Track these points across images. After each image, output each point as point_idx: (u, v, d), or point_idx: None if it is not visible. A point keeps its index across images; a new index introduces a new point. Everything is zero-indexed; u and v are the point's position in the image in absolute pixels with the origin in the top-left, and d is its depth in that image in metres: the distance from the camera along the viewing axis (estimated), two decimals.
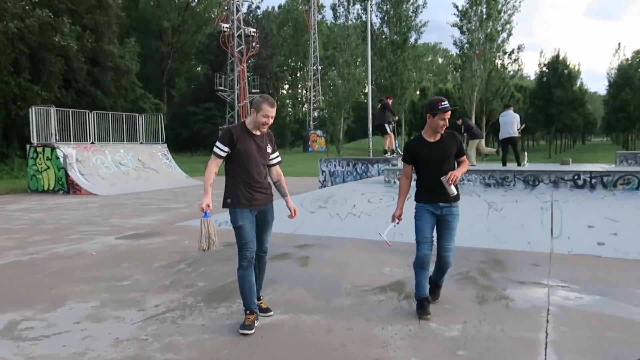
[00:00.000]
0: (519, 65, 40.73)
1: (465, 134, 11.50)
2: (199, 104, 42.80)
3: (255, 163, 3.51)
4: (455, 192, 3.69)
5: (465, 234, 5.71)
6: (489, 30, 31.95)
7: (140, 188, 15.21)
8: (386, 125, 11.83)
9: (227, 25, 39.87)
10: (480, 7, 32.09)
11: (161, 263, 5.56)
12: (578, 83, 50.85)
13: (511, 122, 10.39)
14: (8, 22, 20.80)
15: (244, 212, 3.48)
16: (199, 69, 50.79)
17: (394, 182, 9.03)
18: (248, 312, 3.50)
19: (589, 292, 4.34)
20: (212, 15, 46.87)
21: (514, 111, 10.74)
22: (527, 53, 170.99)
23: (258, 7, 49.49)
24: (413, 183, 3.92)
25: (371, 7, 28.10)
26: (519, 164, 10.49)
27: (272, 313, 3.79)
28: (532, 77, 56.16)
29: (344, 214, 7.78)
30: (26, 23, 21.50)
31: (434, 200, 3.72)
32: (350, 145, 54.65)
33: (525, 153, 11.04)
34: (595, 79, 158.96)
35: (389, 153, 12.37)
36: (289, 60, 62.20)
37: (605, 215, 6.50)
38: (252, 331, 3.44)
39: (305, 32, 56.19)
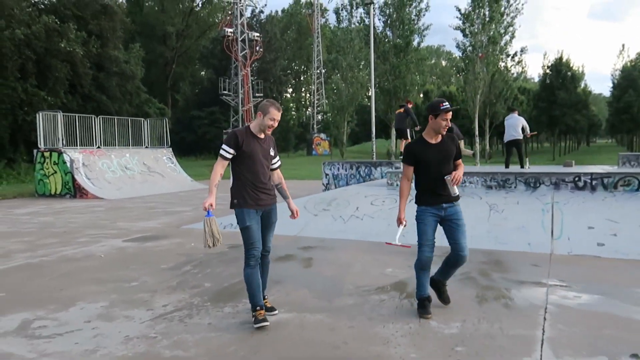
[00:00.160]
0: (523, 68, 40.82)
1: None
2: (203, 108, 43.05)
3: (260, 165, 3.67)
4: (457, 193, 3.79)
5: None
6: (491, 33, 31.99)
7: (145, 192, 15.38)
8: (407, 131, 11.99)
9: (231, 30, 40.14)
10: (482, 10, 32.16)
11: (168, 265, 5.68)
12: (582, 85, 50.82)
13: (515, 125, 10.51)
14: (15, 29, 21.09)
15: (250, 212, 3.62)
16: (203, 73, 51.09)
17: (397, 185, 9.13)
18: (258, 307, 3.64)
19: (588, 291, 4.42)
20: (216, 20, 47.17)
21: (518, 114, 10.89)
22: (530, 55, 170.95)
23: (262, 12, 49.74)
24: (412, 185, 4.01)
25: (374, 10, 28.24)
26: (522, 166, 10.59)
27: (276, 312, 3.90)
28: (536, 79, 56.19)
29: (347, 216, 7.89)
30: (33, 29, 21.82)
31: (437, 202, 3.77)
32: (354, 149, 54.78)
33: (527, 159, 11.14)
34: (599, 80, 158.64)
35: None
36: (293, 64, 62.50)
37: (606, 216, 6.57)
38: (268, 322, 3.59)
39: (308, 36, 56.47)
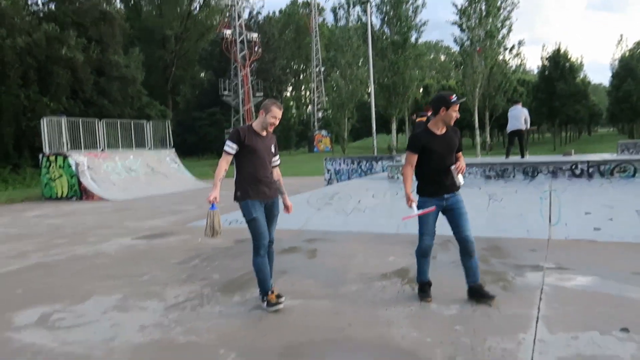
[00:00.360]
0: (521, 60, 40.90)
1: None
2: (204, 109, 43.30)
3: (262, 159, 3.89)
4: (462, 182, 3.94)
5: None
6: (488, 27, 32.08)
7: (150, 192, 15.58)
8: None
9: (230, 32, 40.37)
10: (479, 5, 32.24)
11: (177, 260, 5.87)
12: (581, 75, 50.81)
13: (518, 116, 10.99)
14: (16, 37, 21.31)
15: (255, 203, 3.82)
16: (202, 75, 51.33)
17: (397, 178, 9.29)
18: (270, 292, 3.88)
19: (583, 273, 4.58)
20: (214, 22, 47.33)
21: (522, 106, 11.33)
22: (530, 47, 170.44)
23: (259, 13, 50.09)
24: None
25: (371, 8, 28.39)
26: (522, 156, 10.81)
27: (283, 299, 4.06)
28: (535, 72, 56.17)
29: (349, 209, 8.05)
30: (34, 37, 22.03)
31: (440, 192, 3.88)
32: (355, 144, 54.94)
33: (527, 152, 11.38)
34: (599, 70, 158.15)
35: None
36: (292, 63, 62.64)
37: (602, 202, 6.72)
38: (282, 305, 3.84)
39: (306, 35, 56.59)
